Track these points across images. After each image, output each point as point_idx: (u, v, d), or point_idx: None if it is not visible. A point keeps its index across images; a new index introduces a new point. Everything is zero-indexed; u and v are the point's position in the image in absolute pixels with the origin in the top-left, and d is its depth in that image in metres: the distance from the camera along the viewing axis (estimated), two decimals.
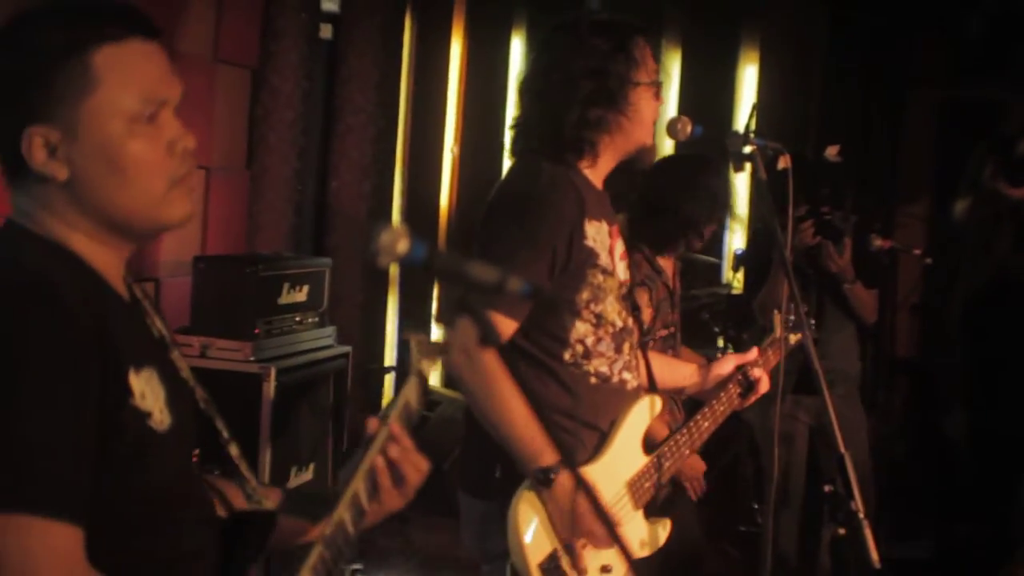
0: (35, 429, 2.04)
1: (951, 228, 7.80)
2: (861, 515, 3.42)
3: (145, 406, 2.19)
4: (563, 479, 3.52)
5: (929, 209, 9.34)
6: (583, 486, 2.44)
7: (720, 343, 8.56)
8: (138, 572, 2.20)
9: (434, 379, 9.26)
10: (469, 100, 9.48)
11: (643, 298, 5.08)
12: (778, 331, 4.39)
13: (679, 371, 4.37)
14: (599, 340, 3.77)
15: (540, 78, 3.85)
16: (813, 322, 4.63)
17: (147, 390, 2.20)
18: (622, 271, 3.89)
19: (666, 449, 4.00)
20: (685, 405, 5.25)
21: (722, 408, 4.21)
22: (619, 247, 3.89)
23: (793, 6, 9.57)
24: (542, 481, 3.53)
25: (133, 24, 2.29)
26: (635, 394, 3.91)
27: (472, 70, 9.53)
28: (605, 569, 3.69)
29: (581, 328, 3.73)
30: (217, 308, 6.32)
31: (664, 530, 4.00)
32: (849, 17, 9.29)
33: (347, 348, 7.05)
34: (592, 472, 3.71)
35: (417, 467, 2.48)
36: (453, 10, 9.45)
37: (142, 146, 2.26)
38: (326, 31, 8.34)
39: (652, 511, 3.97)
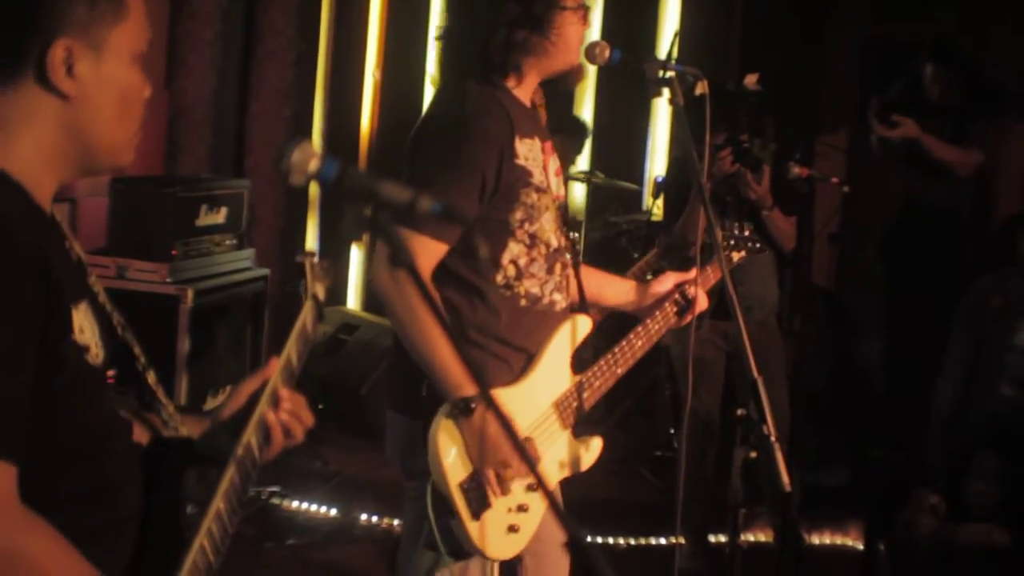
0: None
1: (869, 159, 7.89)
2: (773, 439, 3.45)
3: (83, 340, 2.19)
4: (483, 410, 3.53)
5: (849, 139, 9.39)
6: (499, 414, 2.44)
7: None
8: (69, 503, 2.19)
9: (354, 303, 9.26)
10: (391, 24, 9.41)
11: None
12: (719, 250, 4.34)
13: (617, 287, 4.32)
14: (532, 261, 3.77)
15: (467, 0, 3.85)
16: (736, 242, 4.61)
17: (85, 324, 2.20)
18: (557, 186, 3.88)
19: (596, 369, 3.99)
20: (617, 322, 5.21)
21: (657, 327, 4.15)
22: (553, 163, 3.89)
23: None
24: (462, 411, 3.55)
25: None
26: (564, 315, 3.91)
27: None
28: (531, 487, 3.72)
29: (515, 248, 3.73)
30: (134, 229, 6.29)
31: (596, 447, 4.02)
32: None
33: (265, 271, 7.03)
34: (515, 394, 3.72)
35: (304, 422, 2.53)
36: None
37: (140, 86, 2.34)
38: None
39: (581, 430, 3.98)
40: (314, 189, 8.16)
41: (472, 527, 3.61)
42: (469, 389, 3.54)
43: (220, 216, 6.70)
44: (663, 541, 6.79)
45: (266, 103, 8.39)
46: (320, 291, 2.55)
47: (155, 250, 6.21)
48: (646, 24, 9.80)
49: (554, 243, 3.83)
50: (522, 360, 3.81)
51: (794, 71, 9.23)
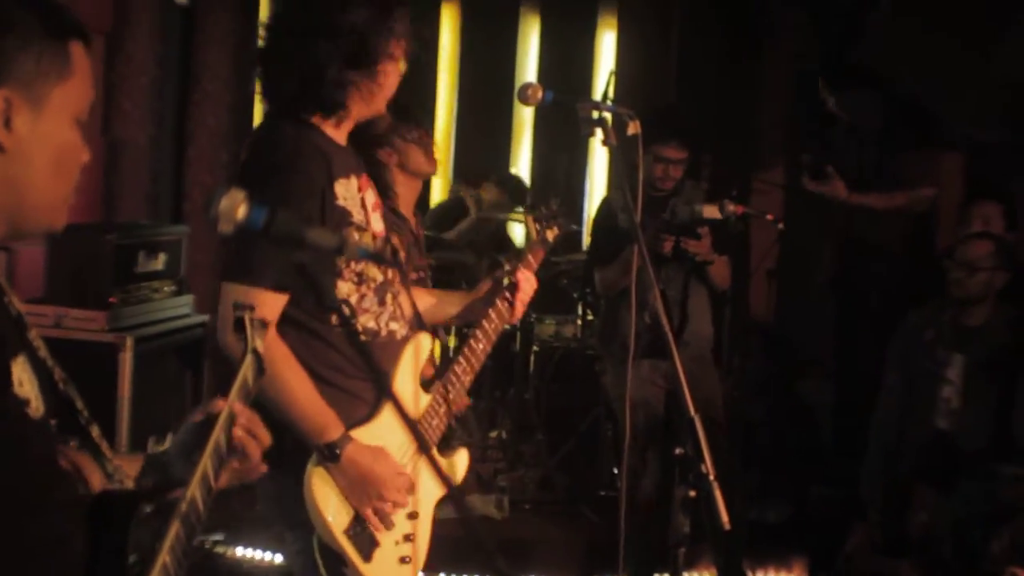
0: None
1: (806, 195, 7.93)
2: (711, 477, 3.46)
3: (23, 393, 2.17)
4: (349, 452, 3.62)
5: (786, 174, 9.43)
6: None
7: (579, 309, 8.61)
8: (12, 557, 2.17)
9: None
10: None
11: (395, 241, 5.15)
12: (532, 233, 4.53)
13: (449, 300, 4.44)
14: (363, 296, 3.80)
15: (302, 27, 3.74)
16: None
17: (24, 377, 2.18)
18: (376, 222, 3.89)
19: (445, 382, 4.08)
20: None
21: (493, 326, 4.25)
22: (370, 197, 3.90)
23: None
24: (328, 457, 3.61)
25: (88, 33, 2.31)
26: (405, 342, 3.95)
27: None
28: (412, 515, 3.82)
29: (344, 288, 3.75)
30: (72, 277, 6.25)
31: (463, 459, 4.14)
32: None
33: (205, 317, 7.00)
34: (375, 428, 3.77)
35: (260, 440, 2.53)
36: None
37: (77, 149, 2.30)
38: None
39: (445, 445, 4.08)
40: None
41: (366, 569, 3.68)
42: (334, 433, 3.62)
43: (159, 263, 6.68)
44: None
45: (203, 147, 8.37)
46: (260, 345, 2.54)
47: (93, 298, 6.17)
48: (583, 63, 9.85)
49: (380, 277, 3.86)
50: (372, 393, 3.84)
51: (730, 107, 9.29)
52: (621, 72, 8.93)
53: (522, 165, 9.86)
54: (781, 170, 9.45)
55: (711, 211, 6.07)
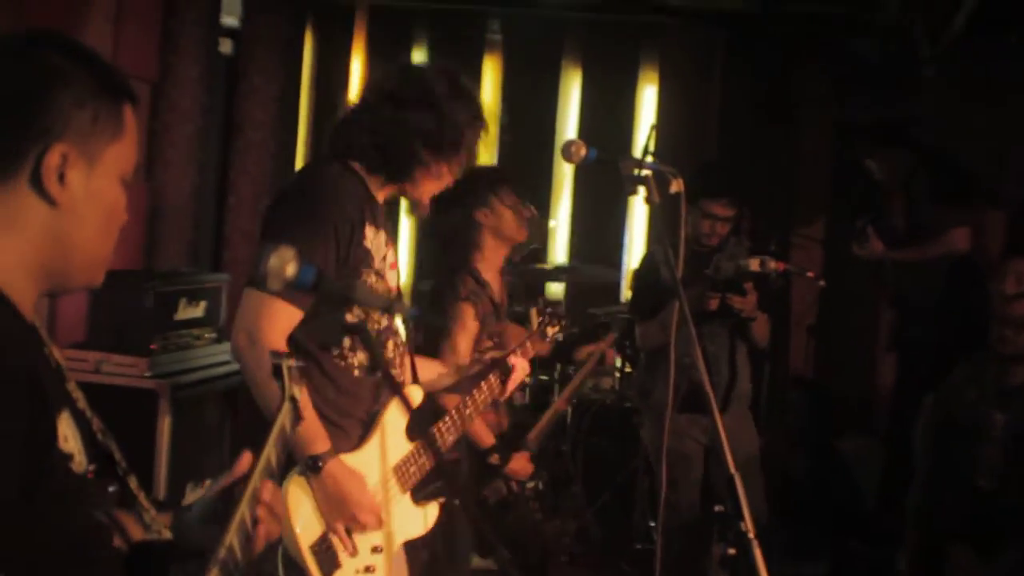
0: None
1: (847, 252, 7.93)
2: (751, 535, 3.44)
3: (68, 449, 2.17)
4: (331, 467, 3.75)
5: (826, 231, 9.42)
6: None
7: (618, 361, 8.58)
8: None
9: None
10: None
11: (468, 313, 5.17)
12: (533, 325, 4.81)
13: (449, 371, 4.61)
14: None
15: (410, 102, 3.99)
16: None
17: (68, 433, 2.18)
18: (392, 279, 4.06)
19: (430, 437, 4.23)
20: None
21: (483, 396, 4.44)
22: (391, 256, 4.08)
23: (691, 28, 9.65)
24: (311, 468, 3.73)
25: (136, 96, 2.35)
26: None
27: None
28: (376, 550, 3.92)
29: (351, 319, 3.86)
30: (113, 323, 6.29)
31: (433, 512, 4.23)
32: (746, 39, 9.38)
33: None
34: (354, 460, 3.89)
35: (277, 519, 2.54)
36: (354, 25, 9.43)
37: (122, 208, 2.32)
38: (226, 46, 8.32)
39: (420, 495, 4.17)
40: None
41: None
42: (320, 446, 3.74)
43: (199, 310, 6.71)
44: None
45: (245, 196, 8.41)
46: (298, 393, 2.55)
47: (134, 344, 6.21)
48: (623, 117, 9.86)
49: (384, 322, 4.00)
50: (358, 428, 3.98)
51: (769, 162, 9.29)
52: (662, 126, 8.94)
53: (562, 218, 9.86)
54: (821, 226, 9.44)
55: (754, 264, 6.07)
